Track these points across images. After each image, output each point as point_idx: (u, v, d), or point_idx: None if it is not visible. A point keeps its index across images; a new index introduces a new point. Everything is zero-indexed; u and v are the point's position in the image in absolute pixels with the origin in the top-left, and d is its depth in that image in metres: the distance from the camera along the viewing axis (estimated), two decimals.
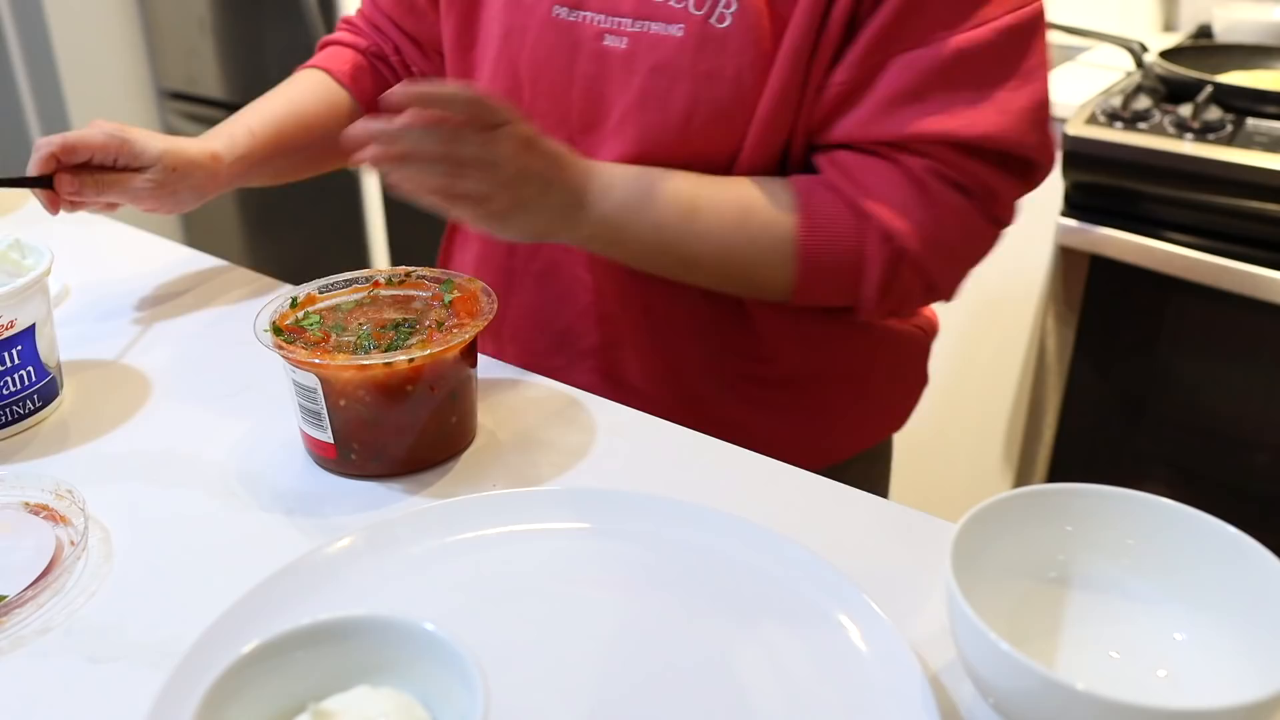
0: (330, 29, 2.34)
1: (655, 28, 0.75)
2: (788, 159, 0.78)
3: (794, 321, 0.83)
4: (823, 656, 0.51)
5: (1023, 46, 0.73)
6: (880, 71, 0.72)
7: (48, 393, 0.74)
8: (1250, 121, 1.41)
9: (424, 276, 0.72)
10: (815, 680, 0.50)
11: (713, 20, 0.73)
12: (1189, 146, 1.37)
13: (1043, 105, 0.75)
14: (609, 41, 0.77)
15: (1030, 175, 0.78)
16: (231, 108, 2.92)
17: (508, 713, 0.47)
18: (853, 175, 0.75)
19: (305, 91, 0.95)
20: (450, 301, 0.70)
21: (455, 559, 0.58)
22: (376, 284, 0.72)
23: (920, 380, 0.97)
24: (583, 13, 0.78)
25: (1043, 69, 0.75)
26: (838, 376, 0.88)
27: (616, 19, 0.77)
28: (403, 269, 0.73)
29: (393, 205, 2.42)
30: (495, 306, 0.67)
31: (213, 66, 2.67)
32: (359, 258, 2.48)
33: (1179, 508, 0.50)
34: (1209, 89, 1.43)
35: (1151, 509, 0.51)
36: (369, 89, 0.96)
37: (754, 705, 0.49)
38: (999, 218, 0.78)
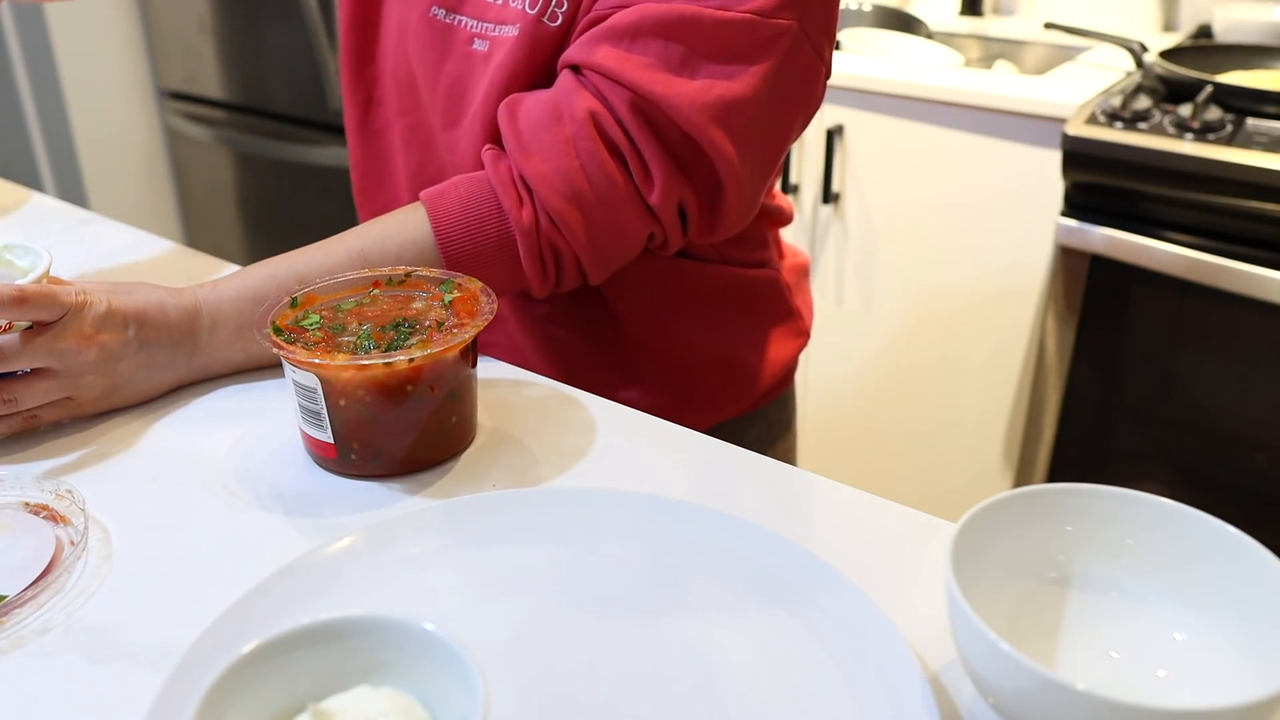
0: (330, 29, 2.35)
1: (504, 30, 0.78)
2: None
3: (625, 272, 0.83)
4: (822, 656, 0.51)
5: (751, 49, 0.73)
6: (619, 9, 0.73)
7: None
8: (1250, 121, 1.41)
9: (424, 276, 0.72)
10: (815, 680, 0.50)
11: (545, 19, 0.75)
12: (1189, 146, 1.37)
13: (741, 108, 0.73)
14: (476, 45, 0.80)
15: (714, 193, 0.77)
16: (231, 108, 2.94)
17: (508, 713, 0.47)
18: (513, 107, 0.76)
19: None
20: (450, 301, 0.70)
21: (455, 559, 0.58)
22: (376, 284, 0.72)
23: (786, 323, 0.96)
24: (459, 16, 0.81)
25: (759, 81, 0.73)
26: (688, 328, 0.90)
27: (484, 24, 0.79)
28: (403, 269, 0.73)
29: None
30: (495, 306, 0.67)
31: (213, 66, 2.67)
32: None
33: (1179, 507, 0.50)
34: (1209, 89, 1.43)
35: (1151, 509, 0.51)
36: None
37: (753, 705, 0.49)
38: (653, 207, 0.76)
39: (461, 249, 0.75)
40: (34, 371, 0.67)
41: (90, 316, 0.68)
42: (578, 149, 0.74)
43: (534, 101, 0.76)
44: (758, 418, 0.97)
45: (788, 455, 1.04)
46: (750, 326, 0.94)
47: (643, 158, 0.74)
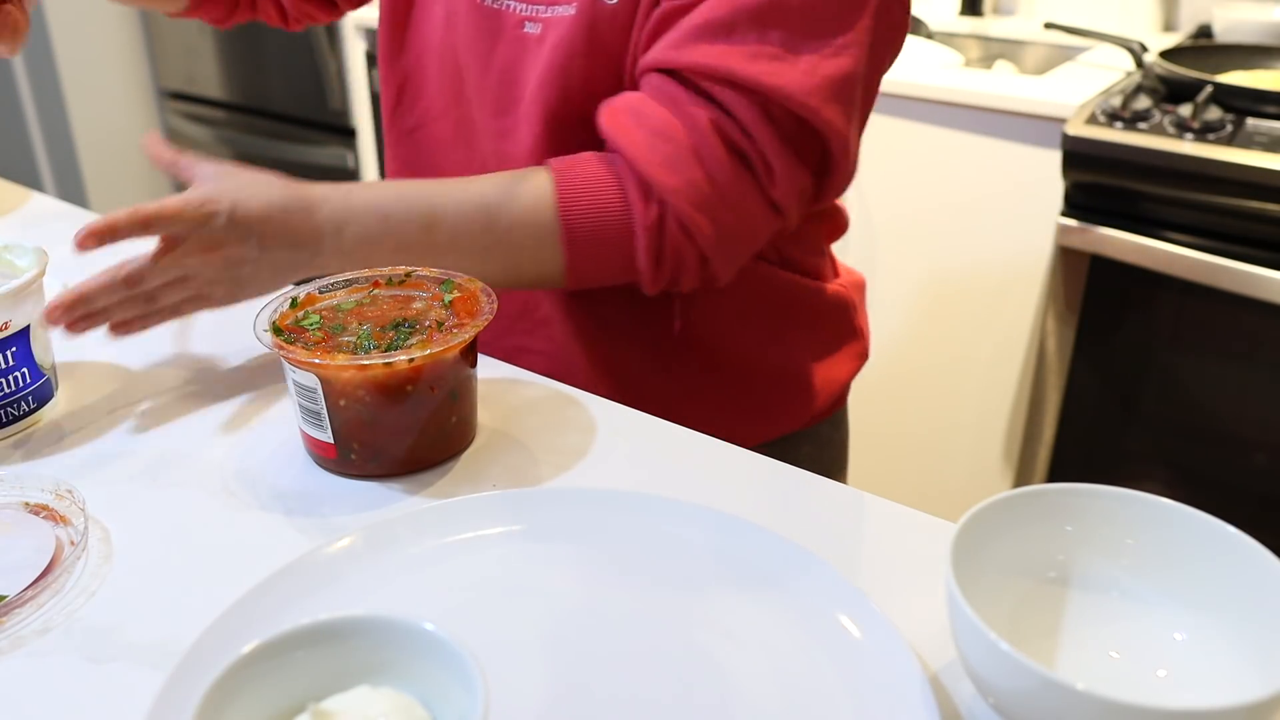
0: (330, 29, 2.35)
1: (559, 10, 0.77)
2: None
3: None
4: (822, 656, 0.51)
5: (846, 17, 0.72)
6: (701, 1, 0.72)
7: (43, 394, 0.74)
8: (1250, 121, 1.41)
9: (424, 276, 0.72)
10: (815, 680, 0.50)
11: None
12: (1189, 146, 1.37)
13: (849, 82, 0.73)
14: (528, 28, 0.78)
15: (824, 169, 0.76)
16: (231, 108, 2.94)
17: (508, 713, 0.47)
18: (625, 121, 0.74)
19: None
20: (450, 301, 0.70)
21: (455, 559, 0.58)
22: (376, 284, 0.72)
23: (850, 343, 0.95)
24: (508, 0, 0.80)
25: (860, 49, 0.73)
26: (751, 339, 0.88)
27: (535, 6, 0.78)
28: (403, 269, 0.73)
29: None
30: (495, 306, 0.67)
31: (213, 66, 2.67)
32: None
33: (1179, 508, 0.50)
34: (1209, 89, 1.43)
35: (1151, 509, 0.51)
36: None
37: (753, 705, 0.49)
38: (777, 203, 0.75)
39: (582, 226, 0.74)
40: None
41: (214, 228, 0.69)
42: (701, 158, 0.72)
43: (647, 110, 0.74)
44: (811, 435, 0.95)
45: (839, 474, 1.02)
46: (812, 341, 0.92)
47: (765, 156, 0.73)
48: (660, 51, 0.73)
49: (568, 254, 0.75)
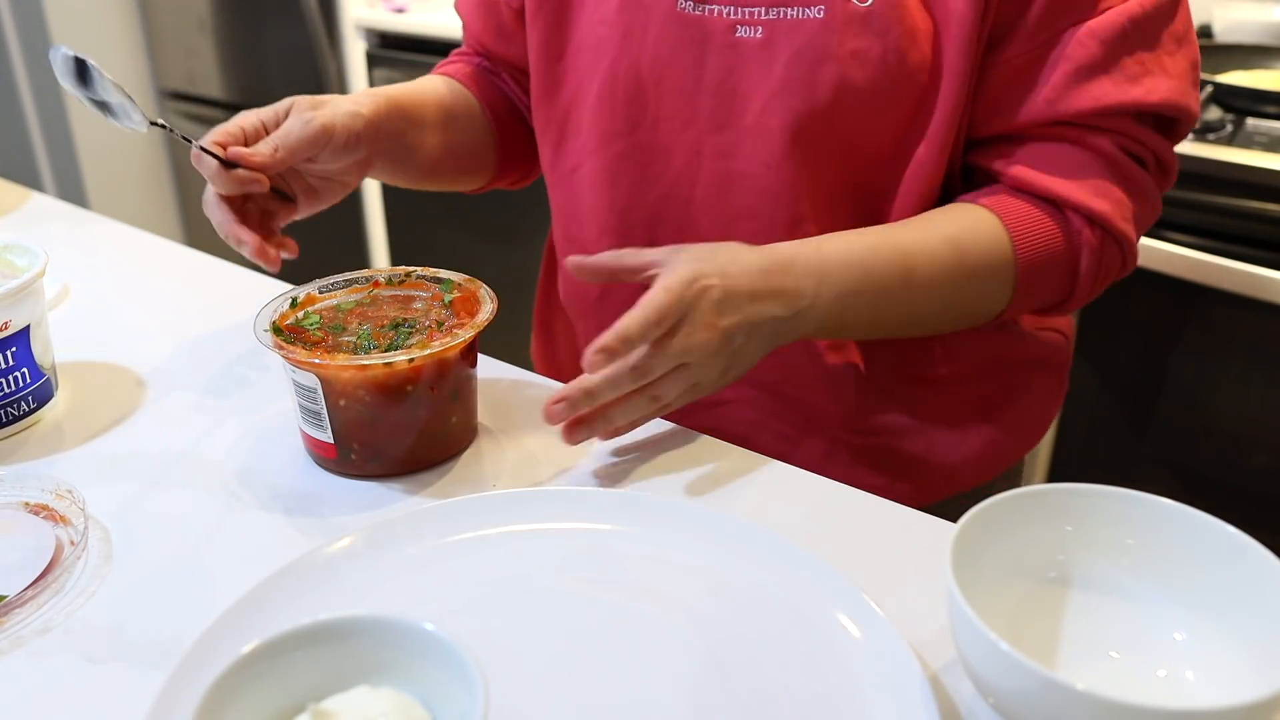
0: (330, 29, 2.35)
1: (792, 13, 0.73)
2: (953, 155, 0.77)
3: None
4: (822, 656, 0.51)
5: (1174, 8, 0.73)
6: (1054, 46, 0.72)
7: (42, 394, 0.74)
8: (1250, 121, 1.41)
9: (424, 276, 0.72)
10: (815, 680, 0.50)
11: (854, 0, 0.71)
12: (1189, 146, 1.37)
13: (1197, 66, 0.76)
14: (742, 33, 0.74)
15: (1175, 133, 0.78)
16: (231, 108, 2.94)
17: (508, 713, 0.47)
18: (1040, 167, 0.74)
19: (430, 81, 0.91)
20: (450, 301, 0.70)
21: (455, 559, 0.58)
22: (376, 284, 0.72)
23: (1061, 387, 0.94)
24: (710, 6, 0.75)
25: (1192, 31, 0.75)
26: (991, 385, 0.86)
27: (749, 9, 0.73)
28: (403, 269, 0.73)
29: (392, 206, 2.42)
30: (495, 306, 0.67)
31: (212, 66, 2.67)
32: (359, 258, 2.48)
33: (1179, 508, 0.50)
34: (1209, 89, 1.43)
35: (1151, 509, 0.51)
36: (489, 91, 0.93)
37: (753, 704, 0.49)
38: (1164, 187, 0.78)
39: (1036, 256, 0.74)
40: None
41: (710, 303, 0.65)
42: (1118, 179, 0.74)
43: (1052, 156, 0.74)
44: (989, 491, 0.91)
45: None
46: (1036, 383, 0.90)
47: (1159, 158, 0.76)
48: (1041, 109, 0.73)
49: (1021, 283, 0.74)
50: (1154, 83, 0.72)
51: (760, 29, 0.73)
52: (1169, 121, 0.76)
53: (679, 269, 0.65)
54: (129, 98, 0.72)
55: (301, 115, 0.76)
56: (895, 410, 0.83)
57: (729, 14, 0.74)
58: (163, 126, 0.75)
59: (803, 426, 0.83)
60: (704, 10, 0.75)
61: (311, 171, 0.80)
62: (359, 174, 0.82)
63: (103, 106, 0.73)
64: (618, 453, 0.69)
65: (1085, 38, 0.71)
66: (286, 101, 0.77)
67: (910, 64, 0.72)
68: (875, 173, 0.76)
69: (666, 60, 0.77)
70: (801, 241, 0.71)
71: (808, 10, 0.72)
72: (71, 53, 0.70)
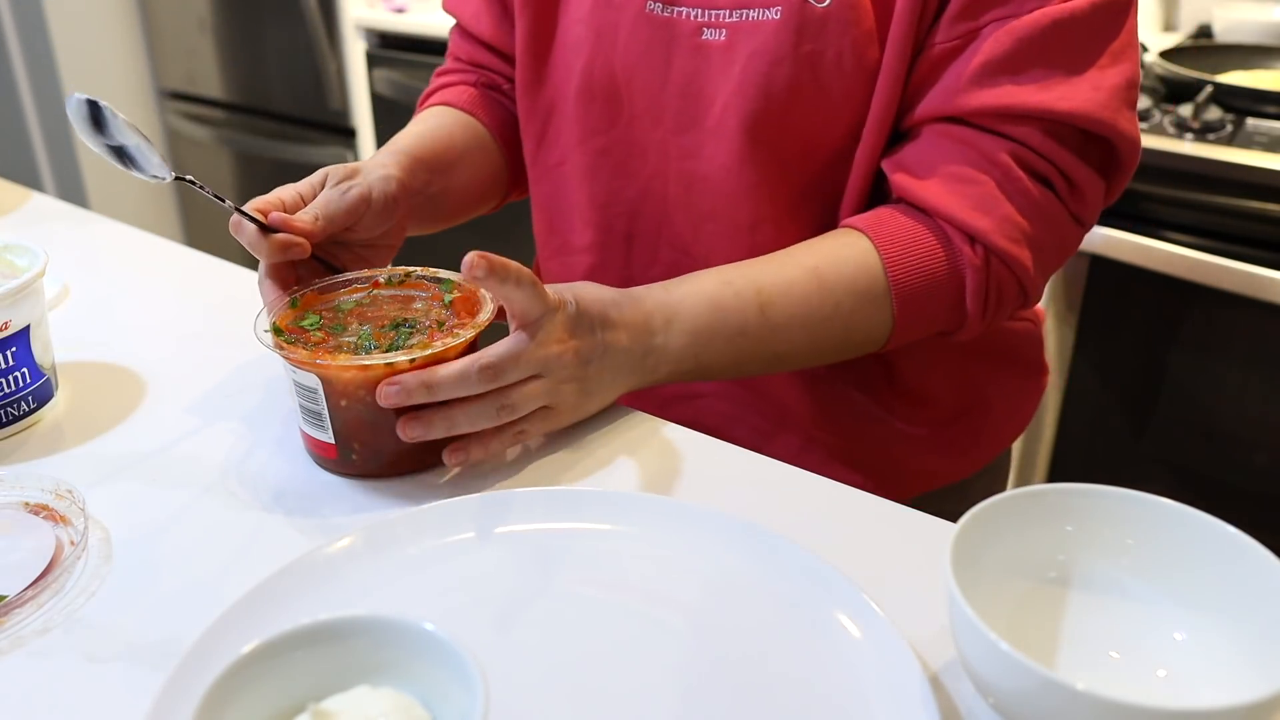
0: (330, 29, 2.35)
1: (753, 14, 0.73)
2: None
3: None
4: (822, 656, 0.51)
5: (1115, 23, 0.71)
6: (974, 39, 0.70)
7: (42, 394, 0.74)
8: (1250, 121, 1.41)
9: (424, 276, 0.72)
10: (815, 680, 0.50)
11: (811, 1, 0.71)
12: (1189, 146, 1.37)
13: (1133, 86, 0.72)
14: (707, 35, 0.74)
15: (1112, 170, 0.75)
16: (231, 108, 2.93)
17: (508, 713, 0.47)
18: (920, 173, 0.72)
19: (437, 118, 0.89)
20: (450, 301, 0.70)
21: (455, 559, 0.58)
22: (376, 284, 0.72)
23: (1038, 376, 0.93)
24: (678, 8, 0.75)
25: (1134, 49, 0.72)
26: (961, 382, 0.86)
27: (714, 11, 0.74)
28: (403, 269, 0.73)
29: None
30: (495, 307, 0.67)
31: (212, 66, 2.67)
32: None
33: (1179, 508, 0.50)
34: (1209, 89, 1.43)
35: (1151, 509, 0.51)
36: (494, 113, 0.92)
37: (753, 705, 0.49)
38: (1079, 215, 0.74)
39: (912, 280, 0.72)
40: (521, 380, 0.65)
41: (563, 319, 0.65)
42: (1009, 193, 0.71)
43: (939, 159, 0.72)
44: (969, 486, 0.92)
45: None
46: (1009, 374, 0.90)
47: (1066, 175, 0.72)
48: (939, 101, 0.71)
49: (899, 311, 0.72)
50: (1068, 91, 0.69)
51: (724, 31, 0.74)
52: (1099, 143, 0.72)
53: (547, 288, 0.65)
54: (146, 139, 0.71)
55: (339, 185, 0.75)
56: (866, 408, 0.84)
57: (696, 16, 0.75)
58: (191, 182, 0.73)
59: (776, 421, 0.83)
60: (672, 12, 0.76)
61: (354, 240, 0.78)
62: (399, 235, 0.81)
63: (119, 154, 0.71)
64: (617, 453, 0.69)
65: (1002, 34, 0.69)
66: (320, 172, 0.76)
67: (866, 64, 0.71)
68: (834, 174, 0.76)
69: (636, 61, 0.77)
70: (656, 284, 0.71)
71: (767, 11, 0.72)
72: (84, 97, 0.69)
